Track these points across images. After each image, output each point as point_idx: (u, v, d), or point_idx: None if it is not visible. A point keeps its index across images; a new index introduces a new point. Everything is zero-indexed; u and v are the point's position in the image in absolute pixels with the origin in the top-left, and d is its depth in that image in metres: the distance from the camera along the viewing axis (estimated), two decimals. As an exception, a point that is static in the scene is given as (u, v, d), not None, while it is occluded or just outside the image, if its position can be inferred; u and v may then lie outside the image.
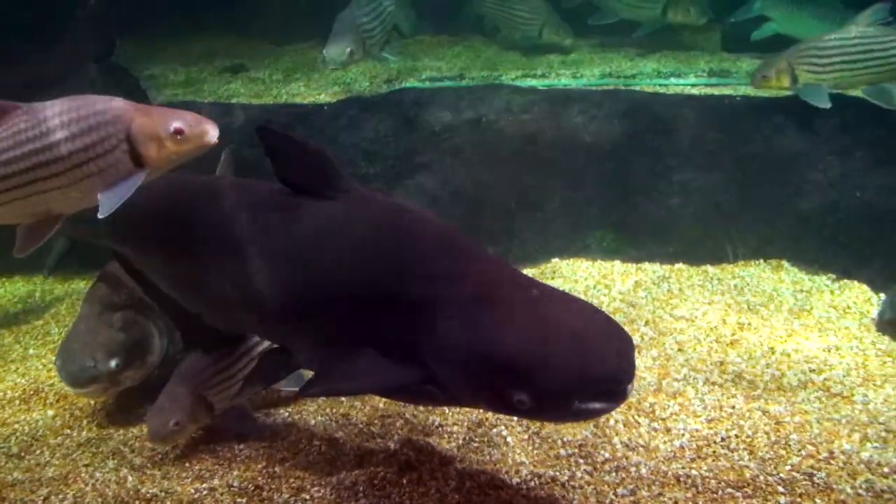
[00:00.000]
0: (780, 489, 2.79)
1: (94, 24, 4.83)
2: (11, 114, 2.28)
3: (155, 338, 3.62)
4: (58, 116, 2.24)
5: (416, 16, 6.53)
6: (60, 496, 2.99)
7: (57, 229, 2.41)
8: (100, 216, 2.23)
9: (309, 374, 3.56)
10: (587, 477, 2.92)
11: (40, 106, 2.28)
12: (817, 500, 2.73)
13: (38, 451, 3.35)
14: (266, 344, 3.28)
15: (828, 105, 4.18)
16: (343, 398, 3.54)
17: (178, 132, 2.27)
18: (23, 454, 3.34)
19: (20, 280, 5.29)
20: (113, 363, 3.38)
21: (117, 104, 2.28)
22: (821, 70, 4.18)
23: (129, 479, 3.09)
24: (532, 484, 2.88)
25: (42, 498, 3.00)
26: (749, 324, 4.14)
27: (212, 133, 2.31)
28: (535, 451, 3.09)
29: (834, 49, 4.20)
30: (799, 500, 2.74)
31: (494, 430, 3.24)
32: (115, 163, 2.25)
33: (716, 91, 5.29)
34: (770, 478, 2.85)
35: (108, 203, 2.24)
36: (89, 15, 4.86)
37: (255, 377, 2.97)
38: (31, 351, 4.34)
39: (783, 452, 3.01)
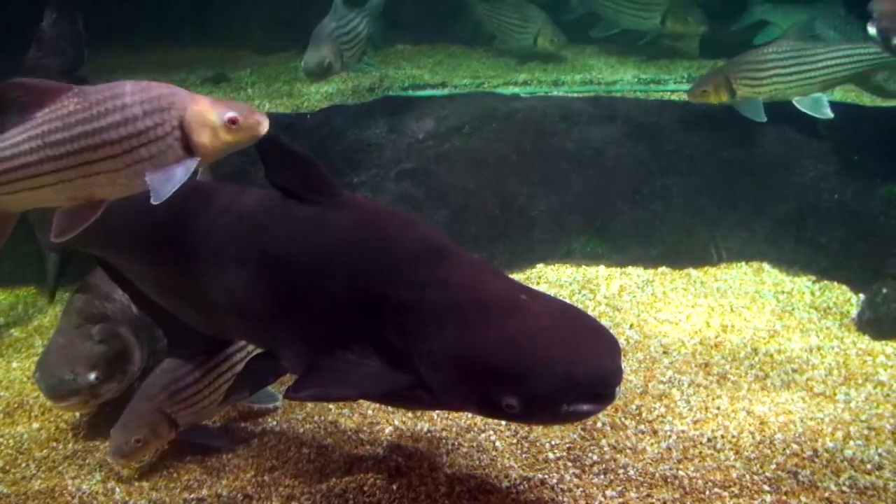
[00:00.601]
0: (766, 488, 2.83)
1: (60, 36, 4.63)
2: (63, 95, 2.25)
3: (135, 349, 3.60)
4: (110, 100, 2.21)
5: (386, 26, 6.58)
6: (47, 509, 2.98)
7: (98, 214, 2.34)
8: (153, 202, 2.18)
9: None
10: (576, 480, 2.94)
11: (93, 89, 2.25)
12: (802, 498, 2.77)
13: (23, 465, 3.32)
14: (234, 359, 3.28)
15: (763, 119, 4.32)
16: (332, 405, 3.54)
17: (232, 121, 2.23)
18: (8, 468, 3.30)
19: (1, 293, 5.24)
20: (92, 376, 3.35)
21: (172, 91, 2.25)
22: (757, 83, 4.32)
23: (117, 491, 3.07)
24: (521, 487, 2.89)
25: (28, 512, 2.98)
26: (732, 325, 4.19)
27: (264, 124, 2.29)
28: (524, 455, 3.11)
29: (769, 63, 4.34)
30: (785, 498, 2.78)
31: (483, 434, 3.26)
32: (167, 149, 2.22)
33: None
34: (756, 477, 2.89)
35: (162, 189, 2.18)
36: (54, 28, 4.67)
37: (241, 383, 2.94)
38: (14, 364, 4.30)
39: (768, 452, 3.05)
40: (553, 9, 7.21)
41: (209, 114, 2.23)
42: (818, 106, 4.35)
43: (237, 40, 8.42)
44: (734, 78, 4.29)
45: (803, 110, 4.38)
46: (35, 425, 3.65)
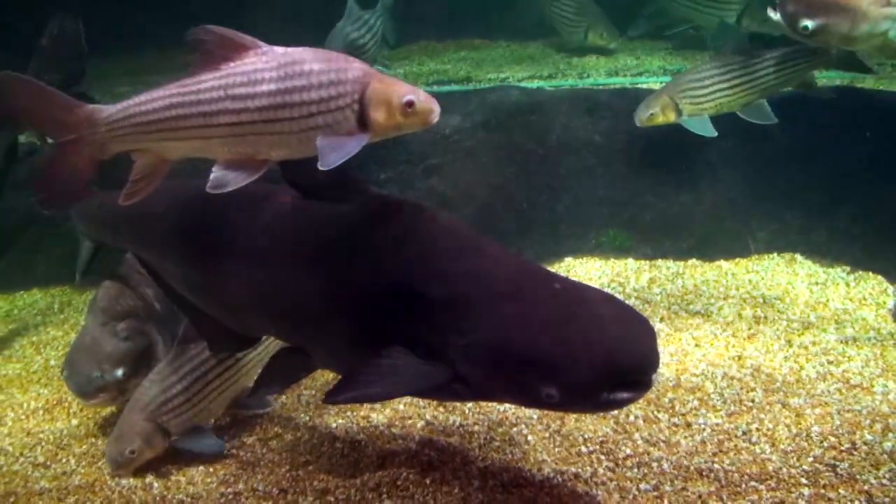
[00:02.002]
0: (804, 481, 2.80)
1: (61, 51, 4.51)
2: (251, 51, 2.26)
3: (159, 345, 3.68)
4: (298, 64, 2.22)
5: (398, 25, 6.57)
6: (88, 504, 3.03)
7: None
8: (321, 167, 2.18)
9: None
10: (609, 473, 2.93)
11: (281, 51, 2.27)
12: (841, 491, 2.73)
13: (63, 460, 3.38)
14: (223, 367, 3.33)
15: (714, 134, 4.31)
16: (363, 401, 3.56)
17: (409, 105, 2.23)
18: (49, 463, 3.37)
19: (39, 292, 5.34)
20: (119, 372, 3.43)
21: (357, 64, 2.27)
22: (702, 100, 4.34)
23: (155, 485, 3.12)
24: (555, 481, 2.89)
25: (70, 506, 3.04)
26: (765, 317, 4.14)
27: (436, 112, 2.28)
28: (557, 449, 3.10)
29: (709, 79, 4.35)
30: (823, 491, 2.74)
31: (515, 428, 3.26)
32: (342, 121, 2.22)
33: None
34: (793, 470, 2.86)
35: (331, 157, 2.19)
36: (55, 43, 4.50)
37: (270, 377, 2.94)
38: (52, 362, 4.38)
39: (805, 444, 3.01)
40: (629, 8, 7.13)
41: (389, 93, 2.23)
42: (762, 113, 4.33)
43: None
44: (678, 97, 4.31)
45: (747, 119, 4.36)
46: (74, 421, 3.72)
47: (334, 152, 2.18)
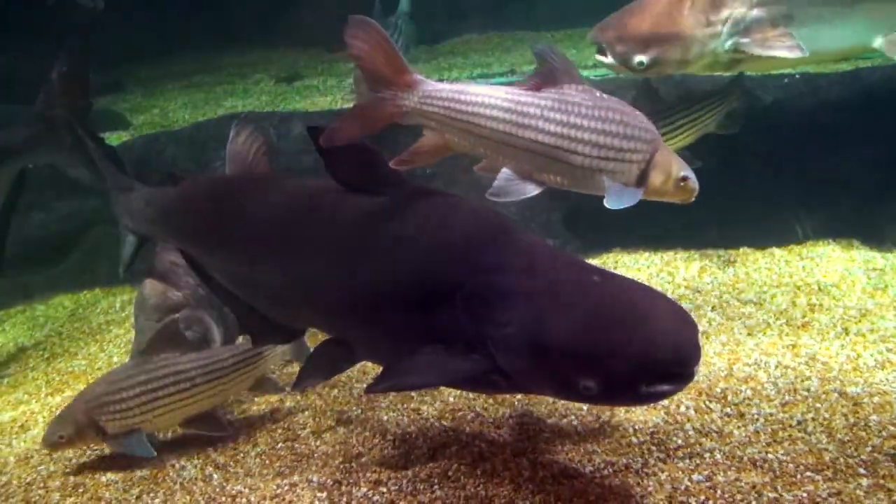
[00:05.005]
0: (862, 471, 2.74)
1: (70, 87, 4.52)
2: (573, 84, 2.44)
3: (214, 329, 3.81)
4: (612, 111, 2.41)
5: (417, 27, 6.58)
6: (152, 494, 3.15)
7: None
8: (608, 206, 2.39)
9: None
10: (661, 464, 2.91)
11: (599, 94, 2.46)
12: (901, 481, 2.67)
13: (128, 453, 3.52)
14: (178, 377, 3.40)
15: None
16: (413, 393, 3.61)
17: (683, 180, 2.47)
18: (114, 455, 3.50)
19: (101, 292, 5.55)
20: None
21: (654, 128, 2.49)
22: None
23: (215, 476, 3.23)
24: (605, 472, 2.89)
25: (135, 497, 3.16)
26: (820, 304, 4.05)
27: (695, 195, 2.54)
28: (607, 440, 3.10)
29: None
30: (882, 481, 2.68)
31: (565, 420, 3.27)
32: (627, 172, 2.43)
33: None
34: (851, 460, 2.80)
35: (618, 202, 2.42)
36: (64, 78, 4.52)
37: (313, 369, 2.94)
38: (115, 359, 4.55)
39: (863, 434, 2.95)
40: None
41: (672, 163, 2.47)
42: (686, 159, 4.32)
43: (307, 39, 8.59)
44: None
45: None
46: (136, 416, 3.86)
47: (621, 198, 2.41)
